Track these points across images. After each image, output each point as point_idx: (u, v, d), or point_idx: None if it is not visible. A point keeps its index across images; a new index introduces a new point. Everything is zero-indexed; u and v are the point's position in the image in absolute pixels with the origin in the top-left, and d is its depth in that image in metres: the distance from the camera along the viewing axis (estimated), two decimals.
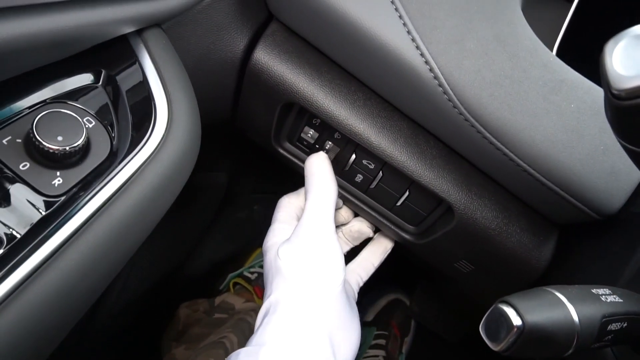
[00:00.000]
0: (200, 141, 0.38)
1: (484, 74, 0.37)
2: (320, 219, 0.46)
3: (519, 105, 0.37)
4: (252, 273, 0.91)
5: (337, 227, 0.54)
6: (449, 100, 0.38)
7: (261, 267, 0.92)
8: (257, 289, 0.89)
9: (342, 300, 0.44)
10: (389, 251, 0.55)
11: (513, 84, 0.37)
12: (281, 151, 0.50)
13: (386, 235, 0.55)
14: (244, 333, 0.73)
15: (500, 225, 0.43)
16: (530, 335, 0.24)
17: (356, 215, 0.54)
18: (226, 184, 0.78)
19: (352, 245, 0.55)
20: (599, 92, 0.38)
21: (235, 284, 0.91)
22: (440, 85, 0.38)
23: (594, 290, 0.28)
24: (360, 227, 0.53)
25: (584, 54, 0.42)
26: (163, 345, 0.78)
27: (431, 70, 0.38)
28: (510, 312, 0.25)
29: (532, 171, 0.38)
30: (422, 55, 0.38)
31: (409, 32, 0.38)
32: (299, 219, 0.48)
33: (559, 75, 0.38)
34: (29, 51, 0.26)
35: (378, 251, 0.55)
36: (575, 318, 0.25)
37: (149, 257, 0.67)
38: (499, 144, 0.38)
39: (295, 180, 0.51)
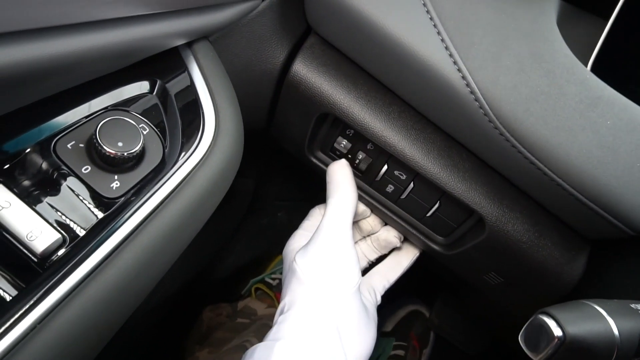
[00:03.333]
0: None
1: (520, 90, 0.38)
2: (337, 225, 0.47)
3: (555, 121, 0.38)
4: (273, 279, 0.92)
5: (365, 236, 0.55)
6: (485, 115, 0.39)
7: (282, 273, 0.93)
8: (278, 295, 0.90)
9: (355, 302, 0.45)
10: (418, 255, 0.56)
11: (549, 100, 0.38)
12: (314, 160, 0.51)
13: (414, 244, 0.56)
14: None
15: (532, 238, 0.44)
16: (570, 347, 0.25)
17: (385, 224, 0.55)
18: (253, 191, 0.79)
19: (379, 254, 0.56)
20: (635, 109, 0.38)
21: (256, 289, 0.92)
22: (477, 100, 0.38)
23: (632, 305, 0.28)
24: (387, 236, 0.54)
25: (619, 70, 0.42)
26: (187, 348, 0.79)
27: (468, 85, 0.38)
28: (551, 322, 0.25)
29: (567, 186, 0.39)
30: (459, 70, 0.38)
31: (446, 48, 0.39)
32: None
33: (596, 92, 0.38)
34: (96, 62, 0.28)
35: (408, 254, 0.55)
36: (616, 331, 0.26)
37: (179, 260, 0.69)
38: (533, 159, 0.39)
39: (320, 188, 0.53)
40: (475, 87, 0.38)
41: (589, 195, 0.38)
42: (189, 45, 0.37)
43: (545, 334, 0.25)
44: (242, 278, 0.94)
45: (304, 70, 0.45)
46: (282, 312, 0.44)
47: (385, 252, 0.55)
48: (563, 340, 0.25)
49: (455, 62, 0.39)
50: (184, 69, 0.37)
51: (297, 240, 0.52)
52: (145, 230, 0.29)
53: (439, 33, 0.39)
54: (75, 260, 0.27)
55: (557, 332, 0.25)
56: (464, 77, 0.38)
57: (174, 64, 0.36)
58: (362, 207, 0.52)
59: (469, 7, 0.40)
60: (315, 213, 0.55)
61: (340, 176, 0.49)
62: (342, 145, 0.49)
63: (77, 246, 0.27)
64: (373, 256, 0.55)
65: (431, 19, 0.39)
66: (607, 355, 0.26)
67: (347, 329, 0.43)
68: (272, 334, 0.42)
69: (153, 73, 0.35)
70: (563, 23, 0.43)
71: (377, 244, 0.55)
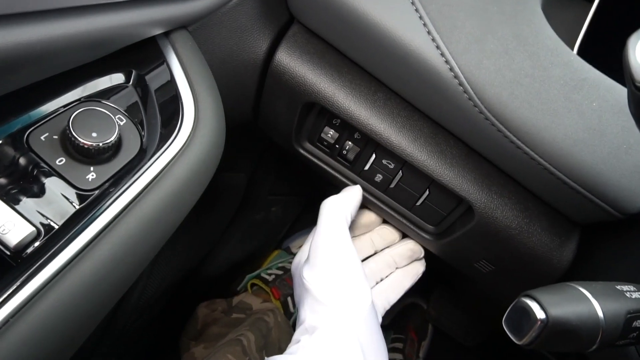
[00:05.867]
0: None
1: (504, 73, 0.38)
2: (334, 232, 0.46)
3: (540, 103, 0.37)
4: (269, 274, 0.92)
5: (377, 251, 0.54)
6: (469, 99, 0.38)
7: (279, 268, 0.93)
8: (274, 290, 0.89)
9: (372, 321, 0.45)
10: (420, 275, 0.54)
11: (534, 83, 0.38)
12: (301, 151, 0.51)
13: (420, 260, 0.55)
14: (261, 331, 0.74)
15: (521, 224, 0.43)
16: (554, 329, 0.25)
17: (403, 236, 0.55)
18: (245, 185, 0.79)
19: (392, 270, 0.54)
20: (620, 90, 0.38)
21: (252, 285, 0.92)
22: (461, 84, 0.38)
23: (618, 287, 0.27)
24: (413, 245, 0.53)
25: (605, 53, 0.42)
26: (182, 344, 0.79)
27: (451, 69, 0.38)
28: (534, 305, 0.25)
29: (553, 170, 0.38)
30: (442, 55, 0.38)
31: (429, 33, 0.38)
32: None
33: (580, 74, 0.38)
34: (67, 51, 0.28)
35: (411, 273, 0.54)
36: (600, 313, 0.25)
37: (170, 257, 0.68)
38: (519, 143, 0.38)
39: (313, 183, 0.52)
40: (459, 71, 0.38)
41: (576, 178, 0.38)
42: (166, 35, 0.37)
43: (528, 317, 0.25)
44: (237, 274, 0.93)
45: (288, 59, 0.44)
46: (305, 333, 0.44)
47: (405, 263, 0.54)
48: (546, 322, 0.24)
49: (438, 47, 0.38)
50: (162, 59, 0.36)
51: (305, 254, 0.50)
52: (122, 222, 0.29)
53: (421, 17, 0.38)
54: (50, 253, 0.26)
55: (540, 314, 0.25)
56: (447, 62, 0.38)
57: (151, 55, 0.36)
58: (372, 217, 0.53)
59: None
60: None
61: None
62: (329, 135, 0.49)
63: (52, 239, 0.27)
64: (385, 272, 0.53)
65: (412, 3, 0.38)
66: (592, 337, 0.25)
67: (369, 349, 0.43)
68: (298, 357, 0.41)
69: (130, 64, 0.34)
70: (549, 7, 0.43)
71: (399, 256, 0.53)
